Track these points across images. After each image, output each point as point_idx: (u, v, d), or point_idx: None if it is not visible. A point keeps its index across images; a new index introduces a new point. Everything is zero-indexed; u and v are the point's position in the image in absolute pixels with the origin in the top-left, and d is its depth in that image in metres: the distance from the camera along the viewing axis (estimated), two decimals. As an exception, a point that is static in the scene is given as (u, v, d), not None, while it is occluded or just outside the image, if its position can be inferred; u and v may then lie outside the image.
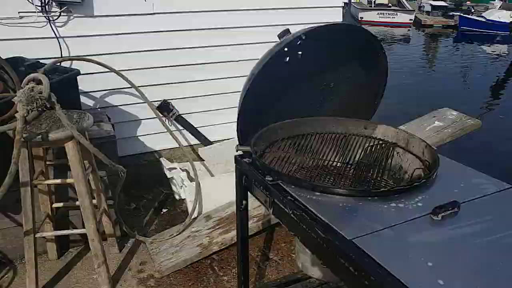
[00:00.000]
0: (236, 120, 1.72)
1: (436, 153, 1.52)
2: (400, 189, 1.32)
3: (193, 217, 2.78)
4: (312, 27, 1.64)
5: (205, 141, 3.56)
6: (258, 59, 1.65)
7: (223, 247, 2.53)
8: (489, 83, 11.59)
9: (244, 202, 1.71)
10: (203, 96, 3.49)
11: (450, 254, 1.04)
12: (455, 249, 1.06)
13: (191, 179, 3.05)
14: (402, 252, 1.04)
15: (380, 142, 1.80)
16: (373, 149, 1.80)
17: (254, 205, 2.66)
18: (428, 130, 3.20)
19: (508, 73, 12.93)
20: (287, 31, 1.69)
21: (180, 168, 3.13)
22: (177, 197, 3.17)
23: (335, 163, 1.84)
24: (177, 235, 2.65)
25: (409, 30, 20.52)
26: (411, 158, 1.66)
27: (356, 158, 1.82)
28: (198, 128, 3.52)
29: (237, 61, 3.46)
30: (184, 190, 2.94)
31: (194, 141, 3.57)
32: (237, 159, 1.64)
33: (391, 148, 1.75)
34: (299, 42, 1.66)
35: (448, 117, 3.32)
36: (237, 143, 1.73)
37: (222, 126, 3.61)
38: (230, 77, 3.46)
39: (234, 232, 2.49)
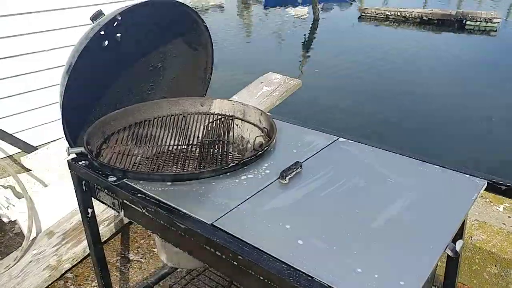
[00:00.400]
0: (60, 119, 1.49)
1: (271, 118, 1.60)
2: (247, 161, 1.35)
3: (31, 238, 2.41)
4: (127, 6, 1.50)
5: (27, 148, 3.07)
6: (73, 45, 1.46)
7: (76, 262, 2.27)
8: (300, 42, 12.98)
9: (90, 210, 1.54)
10: (12, 96, 2.98)
11: (302, 213, 1.12)
12: (306, 208, 1.14)
13: (19, 196, 2.61)
14: (262, 223, 1.07)
15: (219, 116, 1.81)
16: (214, 125, 1.81)
17: (102, 207, 2.45)
18: (259, 96, 3.40)
19: (312, 31, 14.70)
20: (100, 13, 1.52)
21: (2, 186, 2.65)
22: (5, 220, 2.69)
23: (179, 146, 1.79)
24: (15, 264, 2.26)
25: None
26: (250, 127, 1.72)
27: (199, 137, 1.80)
28: (14, 134, 3.01)
29: (47, 50, 3.03)
30: (12, 210, 2.51)
31: (12, 150, 3.05)
32: (71, 164, 1.45)
33: (230, 121, 1.78)
34: (115, 23, 1.51)
35: (274, 80, 3.58)
36: (67, 143, 1.52)
37: (45, 126, 3.17)
38: (41, 70, 3.03)
39: (85, 242, 2.25)
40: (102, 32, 1.48)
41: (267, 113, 1.67)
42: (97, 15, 1.49)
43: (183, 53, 1.88)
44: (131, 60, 1.76)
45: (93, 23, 1.48)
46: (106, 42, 1.57)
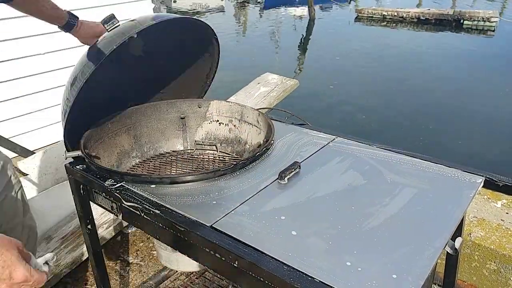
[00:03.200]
0: (63, 124, 1.46)
1: (268, 119, 1.60)
2: (245, 162, 1.34)
3: (29, 243, 2.39)
4: (144, 24, 1.43)
5: (24, 152, 3.06)
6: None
7: (75, 266, 2.25)
8: (296, 42, 13.01)
9: (88, 214, 1.53)
10: (8, 100, 2.96)
11: (301, 213, 1.11)
12: (305, 207, 1.14)
13: (16, 200, 2.60)
14: (261, 223, 1.07)
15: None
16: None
17: (101, 211, 2.43)
18: (256, 97, 3.40)
19: (308, 30, 14.74)
20: (112, 17, 1.46)
21: (-1, 191, 2.63)
22: (3, 225, 2.68)
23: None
24: (13, 269, 2.24)
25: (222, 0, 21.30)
26: (248, 128, 1.72)
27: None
28: (10, 139, 3.00)
29: (43, 54, 3.02)
30: (10, 215, 2.50)
31: (9, 154, 3.03)
32: (69, 168, 1.44)
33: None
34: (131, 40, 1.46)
35: (271, 81, 3.58)
36: (64, 146, 1.51)
37: (42, 130, 3.16)
38: (37, 74, 3.02)
39: (84, 246, 2.24)
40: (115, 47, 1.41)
41: (265, 114, 1.67)
42: (109, 19, 1.44)
43: (189, 59, 1.84)
44: (137, 68, 1.72)
45: (105, 26, 1.43)
46: (120, 55, 1.52)
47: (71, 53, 3.03)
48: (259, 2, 20.81)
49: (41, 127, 3.17)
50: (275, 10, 18.61)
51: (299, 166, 1.31)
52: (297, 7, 18.88)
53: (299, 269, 0.90)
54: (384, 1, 19.83)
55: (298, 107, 6.64)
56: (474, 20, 13.97)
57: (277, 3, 19.30)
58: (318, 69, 9.83)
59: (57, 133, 3.20)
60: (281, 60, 10.54)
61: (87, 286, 2.24)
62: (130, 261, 2.41)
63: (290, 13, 17.96)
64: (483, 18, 13.82)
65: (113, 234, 2.48)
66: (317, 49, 12.11)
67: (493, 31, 13.54)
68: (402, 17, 15.36)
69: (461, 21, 14.16)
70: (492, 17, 13.72)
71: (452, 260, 1.45)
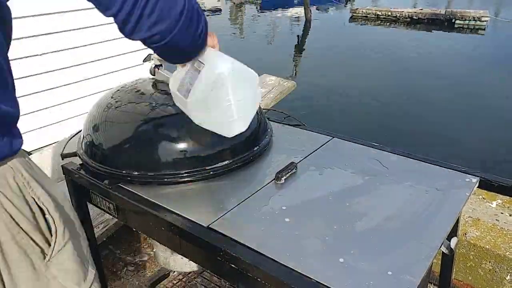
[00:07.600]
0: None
1: (266, 119, 1.60)
2: (241, 163, 1.34)
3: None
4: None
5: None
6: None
7: (71, 267, 2.25)
8: (293, 43, 13.03)
9: (85, 214, 1.53)
10: None
11: (298, 213, 1.12)
12: (301, 208, 1.15)
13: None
14: (259, 224, 1.07)
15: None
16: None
17: (98, 210, 2.43)
18: (253, 97, 3.39)
19: (305, 31, 14.77)
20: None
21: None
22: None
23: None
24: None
25: (218, 0, 21.32)
26: (245, 129, 1.71)
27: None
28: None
29: (40, 55, 3.01)
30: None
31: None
32: (66, 168, 1.44)
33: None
34: None
35: (268, 82, 3.58)
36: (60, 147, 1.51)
37: (39, 131, 3.15)
38: (34, 75, 3.01)
39: (80, 247, 2.23)
40: None
41: (262, 115, 1.67)
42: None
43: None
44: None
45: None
46: None
47: (69, 54, 3.04)
48: (255, 4, 20.83)
49: (37, 128, 3.16)
50: (273, 13, 18.61)
51: (296, 167, 1.31)
52: (294, 8, 18.89)
53: (296, 269, 0.91)
54: (380, 2, 19.91)
55: (296, 108, 6.66)
56: (465, 20, 14.13)
57: (274, 5, 19.31)
58: (316, 70, 9.84)
59: (54, 134, 3.20)
60: (279, 61, 10.54)
61: (84, 287, 2.23)
62: (128, 262, 2.41)
63: (288, 14, 17.96)
64: (474, 18, 13.98)
65: (110, 234, 2.47)
66: (313, 50, 12.13)
67: (484, 29, 13.70)
68: (395, 16, 15.46)
69: (453, 20, 14.30)
70: (483, 16, 13.87)
71: (447, 260, 1.46)
